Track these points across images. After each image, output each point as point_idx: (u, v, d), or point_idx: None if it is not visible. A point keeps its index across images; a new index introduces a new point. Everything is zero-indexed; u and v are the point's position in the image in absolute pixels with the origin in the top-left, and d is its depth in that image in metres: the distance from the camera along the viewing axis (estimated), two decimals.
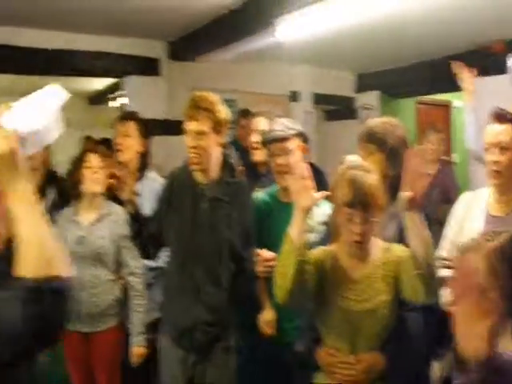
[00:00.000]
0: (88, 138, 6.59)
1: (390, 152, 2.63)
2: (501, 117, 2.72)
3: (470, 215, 2.81)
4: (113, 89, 7.97)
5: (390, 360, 2.33)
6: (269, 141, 3.15)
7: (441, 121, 8.98)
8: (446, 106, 9.02)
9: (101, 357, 3.49)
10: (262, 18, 4.52)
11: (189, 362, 3.00)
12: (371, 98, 8.11)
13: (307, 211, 2.33)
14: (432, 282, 2.21)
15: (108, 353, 3.51)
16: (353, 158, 2.53)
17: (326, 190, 5.50)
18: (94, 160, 3.49)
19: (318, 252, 2.46)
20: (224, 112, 2.95)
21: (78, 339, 3.44)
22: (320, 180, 5.76)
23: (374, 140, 2.67)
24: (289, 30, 4.34)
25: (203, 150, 2.90)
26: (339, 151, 7.65)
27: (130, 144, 3.84)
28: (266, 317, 3.14)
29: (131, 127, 3.87)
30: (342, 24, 4.23)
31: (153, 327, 3.44)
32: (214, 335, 2.99)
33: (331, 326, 2.40)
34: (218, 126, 2.90)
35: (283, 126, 3.16)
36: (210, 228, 2.96)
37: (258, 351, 3.22)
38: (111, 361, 3.52)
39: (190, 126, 2.90)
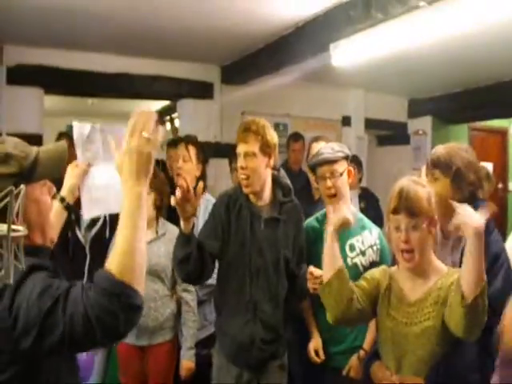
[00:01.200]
0: None
1: (455, 175, 2.64)
2: None
3: None
4: (167, 110, 8.13)
5: None
6: (317, 163, 3.18)
7: (496, 148, 8.87)
8: (501, 133, 8.89)
9: (155, 369, 3.59)
10: (315, 43, 4.56)
11: (243, 380, 3.03)
12: (423, 123, 8.05)
13: (338, 231, 2.41)
14: (475, 318, 2.09)
15: (162, 365, 3.60)
16: (410, 176, 2.52)
17: (378, 214, 5.51)
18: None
19: (376, 271, 2.53)
20: (272, 135, 3.02)
21: (134, 352, 3.56)
22: (373, 205, 5.80)
23: (438, 165, 2.68)
24: (341, 55, 4.35)
25: (252, 170, 2.97)
26: (391, 176, 7.64)
27: (190, 168, 3.95)
28: (314, 344, 3.16)
29: (191, 151, 3.98)
30: (394, 49, 4.22)
31: (205, 343, 3.55)
32: (270, 353, 3.04)
33: (381, 345, 2.43)
34: (266, 147, 2.97)
35: (331, 148, 3.18)
36: (268, 248, 3.02)
37: (305, 373, 3.25)
38: (165, 373, 3.61)
39: (240, 148, 2.99)
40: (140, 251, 1.49)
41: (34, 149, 1.70)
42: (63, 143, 1.82)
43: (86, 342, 1.44)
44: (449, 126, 8.24)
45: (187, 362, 3.51)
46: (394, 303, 2.39)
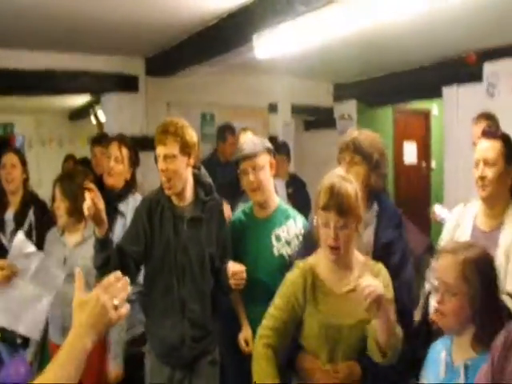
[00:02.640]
0: (69, 158, 6.61)
1: (375, 165, 2.76)
2: (489, 134, 2.91)
3: (460, 227, 2.98)
4: (92, 104, 8.00)
5: (366, 369, 2.42)
6: (238, 159, 3.21)
7: (420, 128, 9.13)
8: (424, 114, 9.14)
9: (84, 374, 3.51)
10: (239, 34, 4.58)
11: (175, 379, 3.07)
12: (349, 107, 8.21)
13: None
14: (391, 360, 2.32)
15: (91, 366, 3.51)
16: (338, 170, 2.59)
17: (305, 199, 5.60)
18: None
19: (290, 283, 2.53)
20: (191, 134, 3.03)
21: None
22: (300, 189, 5.89)
23: (360, 151, 2.76)
24: (265, 45, 4.38)
25: (173, 172, 2.97)
26: (318, 160, 7.77)
27: (121, 170, 3.92)
28: (244, 334, 3.21)
29: (124, 153, 3.94)
30: (317, 39, 4.27)
31: (136, 342, 3.51)
32: (201, 350, 3.08)
33: (311, 337, 2.48)
34: (186, 148, 2.98)
35: (252, 143, 3.23)
36: (192, 247, 3.04)
37: (238, 365, 3.28)
38: (95, 374, 3.48)
39: (160, 150, 2.98)
40: None
41: None
42: None
43: None
44: (373, 109, 8.43)
45: (114, 370, 3.43)
46: (321, 298, 2.45)
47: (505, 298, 2.44)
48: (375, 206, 2.84)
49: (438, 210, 4.31)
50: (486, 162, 2.82)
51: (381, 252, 2.70)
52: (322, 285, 2.47)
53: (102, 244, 2.89)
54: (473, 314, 2.03)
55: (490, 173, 2.80)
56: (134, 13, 4.53)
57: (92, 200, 2.77)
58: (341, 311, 2.41)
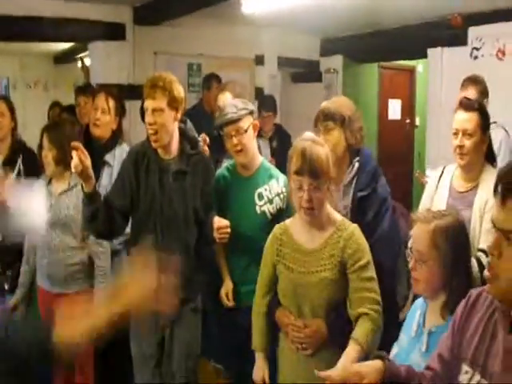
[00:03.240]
0: (55, 105, 6.60)
1: (347, 123, 2.90)
2: (467, 106, 3.05)
3: (438, 190, 3.17)
4: (78, 49, 7.94)
5: (333, 326, 2.56)
6: (222, 123, 3.31)
7: (404, 85, 9.18)
8: (409, 71, 9.19)
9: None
10: None
11: (158, 325, 3.21)
12: (335, 62, 8.24)
13: None
14: None
15: None
16: (308, 134, 2.69)
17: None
18: None
19: (275, 230, 2.72)
20: (179, 89, 3.11)
21: (50, 299, 3.60)
22: (285, 142, 5.96)
23: (330, 117, 2.90)
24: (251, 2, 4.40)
25: (161, 125, 3.06)
26: (304, 113, 7.82)
27: (107, 121, 3.99)
28: (226, 288, 3.36)
29: (110, 103, 3.99)
30: None
31: None
32: (183, 298, 3.16)
33: (282, 294, 2.66)
34: (173, 102, 3.06)
35: (234, 107, 3.31)
36: (177, 199, 3.15)
37: (220, 314, 3.47)
38: None
39: (148, 103, 3.07)
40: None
41: None
42: None
43: None
44: (359, 64, 8.44)
45: None
46: (290, 255, 2.60)
47: (473, 262, 2.59)
48: (356, 164, 2.95)
49: (429, 173, 4.43)
50: (465, 133, 2.98)
51: (357, 208, 2.86)
52: (293, 242, 2.62)
53: (90, 198, 2.99)
54: (444, 281, 2.15)
55: (468, 142, 2.98)
56: None
57: (79, 157, 2.85)
58: (307, 269, 2.55)
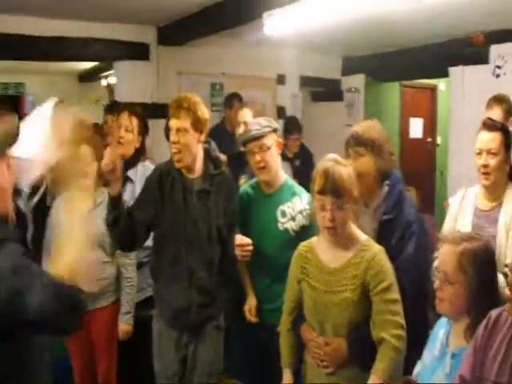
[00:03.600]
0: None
1: (379, 149, 2.87)
2: (490, 126, 3.09)
3: (462, 210, 3.18)
4: (102, 68, 8.07)
5: (354, 346, 2.56)
6: (246, 140, 3.34)
7: (426, 103, 9.18)
8: (431, 90, 9.19)
9: (98, 332, 3.71)
10: (250, 10, 4.66)
11: (182, 342, 3.24)
12: (356, 80, 8.26)
13: None
14: None
15: (105, 328, 3.72)
16: (331, 155, 2.70)
17: (312, 168, 5.69)
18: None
19: (300, 248, 2.75)
20: (203, 111, 3.15)
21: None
22: (307, 160, 5.99)
23: (361, 143, 2.86)
24: (275, 23, 4.45)
25: (184, 145, 3.10)
26: (325, 131, 7.84)
27: (131, 139, 4.03)
28: (249, 304, 3.38)
29: (133, 122, 4.05)
30: (328, 17, 4.33)
31: (145, 305, 3.72)
32: (207, 316, 3.24)
33: (306, 310, 2.68)
34: (197, 123, 3.11)
35: (258, 124, 3.34)
36: (200, 218, 3.18)
37: (242, 331, 3.47)
38: (108, 336, 3.73)
39: (173, 123, 3.12)
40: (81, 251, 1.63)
41: None
42: (12, 119, 1.87)
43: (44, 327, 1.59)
44: (381, 83, 8.46)
45: (124, 326, 3.67)
46: (314, 273, 2.62)
47: (500, 278, 2.57)
48: (386, 188, 2.92)
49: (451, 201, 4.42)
50: (489, 152, 3.02)
51: (382, 231, 2.83)
52: (317, 261, 2.64)
53: (115, 202, 3.03)
54: (468, 304, 2.14)
55: (492, 161, 3.01)
56: None
57: (110, 156, 2.90)
58: (330, 288, 2.57)
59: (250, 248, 3.13)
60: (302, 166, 5.86)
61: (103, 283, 3.65)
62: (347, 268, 2.55)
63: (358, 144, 2.87)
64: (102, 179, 3.02)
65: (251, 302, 3.37)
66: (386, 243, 2.68)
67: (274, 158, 3.34)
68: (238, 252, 3.12)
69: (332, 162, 2.54)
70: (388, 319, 2.48)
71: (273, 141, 3.33)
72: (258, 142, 3.28)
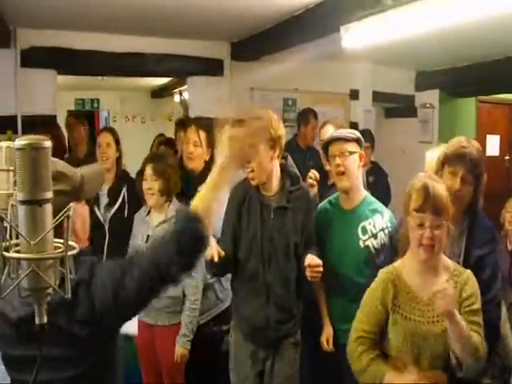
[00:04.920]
0: (159, 136, 6.82)
1: (481, 185, 2.83)
2: None
3: None
4: (175, 84, 8.20)
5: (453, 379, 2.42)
6: (329, 141, 3.32)
7: (503, 120, 8.91)
8: (509, 105, 8.92)
9: (162, 351, 3.72)
10: (324, 25, 4.61)
11: (259, 357, 3.24)
12: (431, 96, 8.07)
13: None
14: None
15: (168, 348, 3.68)
16: (422, 174, 2.62)
17: (386, 189, 5.59)
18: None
19: (385, 276, 2.58)
20: (276, 128, 3.10)
21: (144, 328, 3.69)
22: (381, 179, 5.90)
23: (473, 171, 2.77)
24: (352, 37, 4.40)
25: (257, 164, 3.09)
26: (398, 148, 7.69)
27: (200, 153, 4.07)
28: (326, 334, 3.32)
29: (201, 136, 4.08)
30: (404, 31, 4.26)
31: (218, 320, 3.76)
32: (285, 332, 3.22)
33: (396, 346, 2.48)
34: (270, 141, 3.06)
35: (343, 130, 3.37)
36: (278, 235, 3.16)
37: (315, 350, 3.39)
38: (172, 355, 3.67)
39: None
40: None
41: (77, 169, 1.83)
42: (98, 166, 1.96)
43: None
44: (456, 99, 8.25)
45: (179, 349, 3.60)
46: (406, 304, 2.48)
47: None
48: (466, 220, 2.82)
49: None
50: None
51: (471, 266, 2.67)
52: (407, 290, 2.50)
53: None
54: None
55: None
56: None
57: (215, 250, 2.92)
58: (426, 318, 2.44)
59: (320, 269, 2.98)
60: (376, 184, 5.74)
61: (166, 301, 3.59)
62: None
63: (470, 170, 2.76)
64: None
65: (328, 332, 3.32)
66: (476, 277, 2.55)
67: (355, 166, 3.27)
68: (307, 273, 3.00)
69: (428, 178, 2.46)
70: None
71: (355, 149, 3.27)
72: (339, 145, 3.25)
